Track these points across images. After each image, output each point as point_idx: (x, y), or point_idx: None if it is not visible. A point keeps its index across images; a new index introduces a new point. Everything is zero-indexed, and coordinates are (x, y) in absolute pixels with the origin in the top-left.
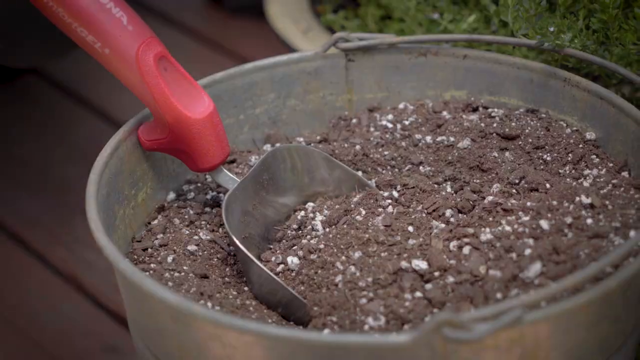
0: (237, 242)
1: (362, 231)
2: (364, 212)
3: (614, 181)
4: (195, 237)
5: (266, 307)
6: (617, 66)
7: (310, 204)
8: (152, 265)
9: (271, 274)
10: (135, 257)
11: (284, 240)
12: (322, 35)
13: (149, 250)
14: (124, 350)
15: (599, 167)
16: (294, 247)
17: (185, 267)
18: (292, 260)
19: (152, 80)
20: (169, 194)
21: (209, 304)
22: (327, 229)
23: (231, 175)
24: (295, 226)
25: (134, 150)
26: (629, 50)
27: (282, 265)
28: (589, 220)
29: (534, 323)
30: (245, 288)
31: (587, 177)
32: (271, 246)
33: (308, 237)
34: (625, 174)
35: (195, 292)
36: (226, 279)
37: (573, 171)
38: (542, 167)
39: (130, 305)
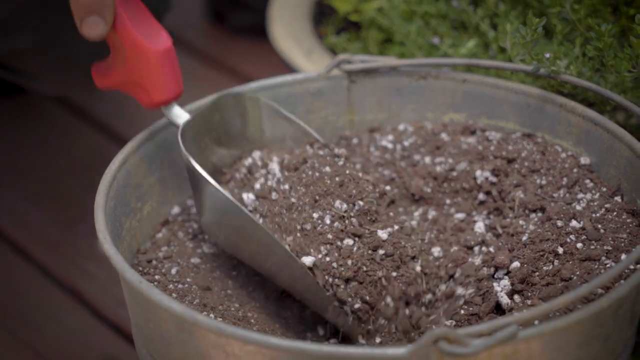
0: (193, 161)
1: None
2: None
3: (607, 205)
4: (199, 251)
5: (222, 247)
6: (612, 93)
7: (257, 152)
8: (156, 276)
9: (223, 190)
10: (140, 268)
11: (231, 182)
12: (324, 57)
13: (154, 262)
14: None
15: (593, 192)
16: (245, 187)
17: (188, 279)
18: (248, 197)
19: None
20: (173, 207)
21: (212, 315)
22: (287, 173)
23: (183, 111)
24: (244, 170)
25: (140, 164)
26: (624, 78)
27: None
28: (580, 244)
29: (528, 340)
30: (255, 304)
31: (581, 201)
32: None
33: (262, 179)
34: (618, 198)
35: (198, 303)
36: (228, 291)
37: (567, 195)
38: (537, 190)
39: (135, 313)
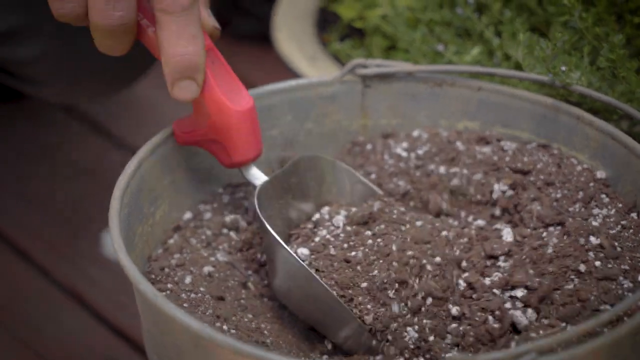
0: (266, 223)
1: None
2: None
3: (623, 222)
4: (212, 259)
5: (291, 309)
6: (627, 106)
7: (326, 208)
8: (168, 285)
9: (297, 257)
10: (153, 276)
11: (298, 239)
12: (328, 63)
13: (166, 269)
14: None
15: (609, 207)
16: (306, 241)
17: (201, 289)
18: (302, 252)
19: None
20: (185, 213)
21: (225, 327)
22: (349, 228)
23: (261, 173)
24: (310, 225)
25: (153, 168)
26: (634, 87)
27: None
28: (598, 263)
29: None
30: (268, 315)
31: (597, 217)
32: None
33: (325, 231)
34: (634, 215)
35: (211, 314)
36: (242, 301)
37: (583, 210)
38: (553, 203)
39: (148, 323)
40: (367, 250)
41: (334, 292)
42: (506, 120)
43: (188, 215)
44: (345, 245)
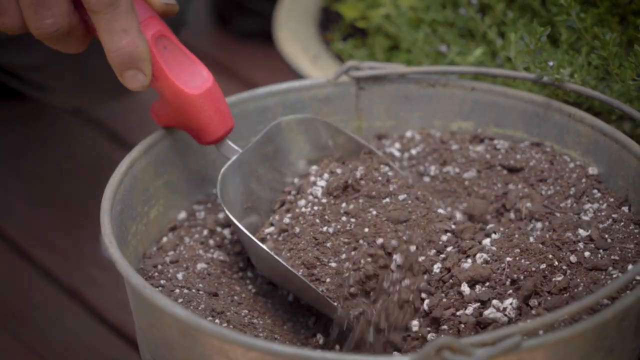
0: (227, 211)
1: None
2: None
3: (614, 216)
4: (206, 256)
5: (274, 285)
6: (619, 102)
7: (314, 167)
8: (161, 281)
9: (258, 242)
10: (146, 273)
11: (285, 206)
12: (330, 63)
13: (159, 267)
14: None
15: (600, 202)
16: (289, 212)
17: (195, 285)
18: (285, 221)
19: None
20: (180, 213)
21: (217, 321)
22: (325, 199)
23: (235, 147)
24: (294, 192)
25: (147, 168)
26: (629, 86)
27: (272, 227)
28: (588, 253)
29: (531, 350)
30: (262, 311)
31: (588, 211)
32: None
33: (303, 200)
34: (625, 209)
35: (204, 308)
36: (235, 297)
37: (574, 205)
38: (544, 201)
39: (140, 318)
40: (339, 227)
41: (300, 272)
42: (499, 119)
43: (183, 215)
44: (318, 221)
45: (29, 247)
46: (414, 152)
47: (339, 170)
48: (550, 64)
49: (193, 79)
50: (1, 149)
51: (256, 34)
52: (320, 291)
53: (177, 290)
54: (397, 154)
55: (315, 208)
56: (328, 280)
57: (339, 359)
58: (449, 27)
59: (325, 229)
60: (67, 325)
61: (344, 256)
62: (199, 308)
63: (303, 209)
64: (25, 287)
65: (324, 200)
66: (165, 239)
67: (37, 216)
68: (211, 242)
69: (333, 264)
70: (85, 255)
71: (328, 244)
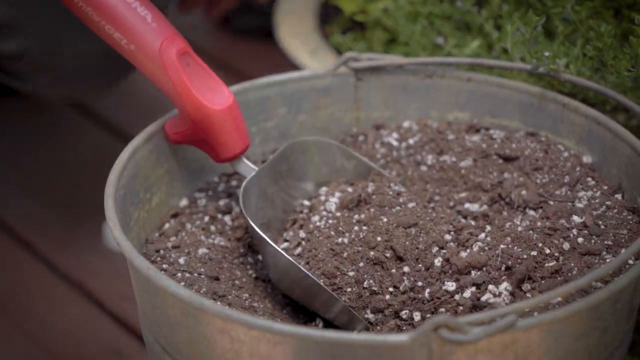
0: (252, 223)
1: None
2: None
3: (608, 203)
4: (207, 242)
5: (285, 294)
6: (613, 92)
7: (324, 188)
8: (164, 265)
9: (282, 251)
10: (148, 257)
11: (297, 223)
12: (329, 56)
13: (162, 251)
14: (127, 353)
15: (594, 190)
16: (302, 228)
17: (196, 269)
18: (301, 235)
19: (175, 73)
20: (182, 200)
21: (219, 304)
22: (339, 214)
23: (251, 165)
24: (306, 210)
25: (149, 156)
26: (624, 78)
27: (286, 243)
28: (581, 239)
29: (527, 330)
30: (262, 295)
31: (582, 199)
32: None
33: (317, 216)
34: (618, 196)
35: (205, 292)
36: (236, 282)
37: (569, 193)
38: (539, 189)
39: (142, 300)
40: (353, 237)
41: (321, 282)
42: (495, 110)
43: (184, 202)
44: (333, 233)
45: (30, 238)
46: (411, 141)
47: (349, 189)
48: (546, 54)
49: (215, 95)
50: (3, 144)
51: (256, 30)
52: (343, 301)
53: (179, 274)
54: (394, 143)
55: (330, 222)
56: (349, 290)
57: (339, 337)
58: (446, 20)
59: (340, 240)
60: (68, 315)
61: (361, 264)
62: (201, 291)
63: (317, 223)
64: (27, 277)
65: (338, 214)
66: (167, 225)
67: (38, 208)
68: (212, 228)
69: (351, 273)
70: (86, 246)
71: (344, 254)
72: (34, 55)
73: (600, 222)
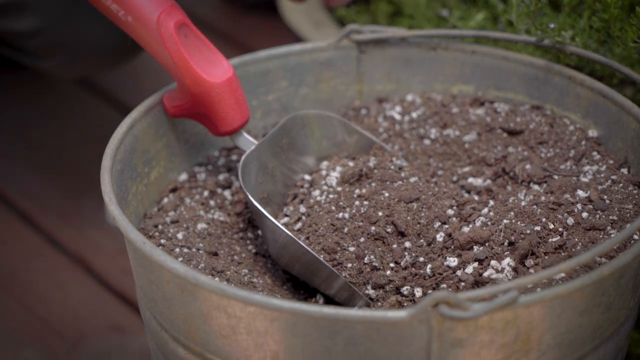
0: (250, 197)
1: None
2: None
3: (614, 177)
4: (206, 217)
5: (284, 269)
6: (619, 65)
7: (325, 162)
8: (162, 240)
9: (282, 227)
10: (146, 232)
11: (297, 198)
12: (334, 29)
13: (160, 226)
14: (128, 328)
15: (600, 164)
16: (303, 203)
17: (195, 244)
18: (301, 210)
19: (172, 45)
20: (181, 174)
21: (216, 279)
22: (340, 188)
23: (251, 139)
24: (307, 185)
25: (148, 129)
26: (630, 50)
27: (286, 218)
28: (586, 214)
29: (529, 306)
30: (262, 271)
31: (587, 173)
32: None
33: (318, 191)
34: (624, 170)
35: (204, 267)
36: (235, 257)
37: (574, 167)
38: (544, 163)
39: (139, 275)
40: (354, 212)
41: (322, 258)
42: (500, 82)
43: (184, 176)
44: (334, 208)
45: (34, 214)
46: (414, 115)
47: (351, 163)
48: (552, 26)
49: (214, 68)
50: (6, 118)
51: (260, 4)
52: (344, 277)
53: (177, 250)
54: (397, 117)
55: (331, 196)
56: (349, 265)
57: (337, 313)
58: None
59: (341, 215)
60: (70, 291)
61: (362, 240)
62: (199, 267)
63: (318, 198)
64: (29, 253)
65: (338, 189)
66: (165, 200)
67: (42, 184)
68: (212, 203)
69: (352, 248)
70: (89, 222)
71: (345, 230)
72: (48, 33)
73: (605, 197)
